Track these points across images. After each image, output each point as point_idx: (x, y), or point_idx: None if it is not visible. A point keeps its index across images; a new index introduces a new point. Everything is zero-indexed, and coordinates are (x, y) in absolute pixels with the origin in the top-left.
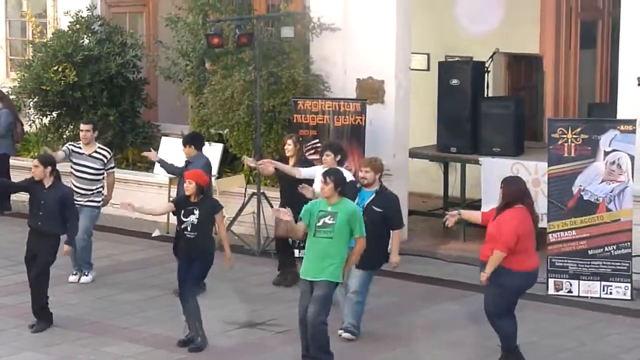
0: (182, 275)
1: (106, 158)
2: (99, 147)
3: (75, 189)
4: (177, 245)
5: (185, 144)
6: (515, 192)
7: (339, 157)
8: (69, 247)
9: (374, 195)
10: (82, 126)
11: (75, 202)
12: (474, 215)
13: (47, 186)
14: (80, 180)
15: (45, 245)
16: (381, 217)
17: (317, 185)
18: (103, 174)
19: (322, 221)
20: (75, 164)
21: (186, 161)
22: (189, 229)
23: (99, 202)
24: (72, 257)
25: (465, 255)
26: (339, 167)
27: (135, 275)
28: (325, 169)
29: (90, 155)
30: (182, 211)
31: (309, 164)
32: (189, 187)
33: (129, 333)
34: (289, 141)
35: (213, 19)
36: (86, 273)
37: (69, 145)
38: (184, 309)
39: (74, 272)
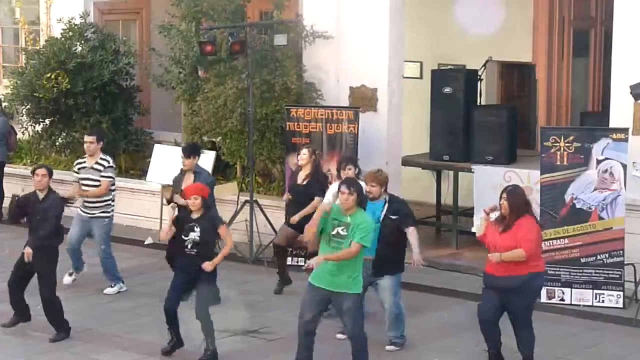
0: (177, 288)
1: (103, 167)
2: (100, 158)
3: (84, 202)
4: (173, 258)
5: (189, 155)
6: (521, 202)
7: (357, 171)
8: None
9: (387, 205)
10: (85, 138)
11: (83, 212)
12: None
13: (41, 198)
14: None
15: (44, 261)
16: (397, 223)
17: (328, 197)
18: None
19: (336, 230)
20: (81, 177)
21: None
22: (189, 246)
23: (107, 212)
24: (72, 258)
25: (458, 263)
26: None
27: (127, 282)
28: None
29: (92, 167)
30: (183, 229)
31: (320, 176)
32: (196, 203)
33: (121, 341)
34: (304, 150)
35: (206, 26)
36: (112, 285)
37: (75, 164)
38: (204, 328)
39: (70, 272)
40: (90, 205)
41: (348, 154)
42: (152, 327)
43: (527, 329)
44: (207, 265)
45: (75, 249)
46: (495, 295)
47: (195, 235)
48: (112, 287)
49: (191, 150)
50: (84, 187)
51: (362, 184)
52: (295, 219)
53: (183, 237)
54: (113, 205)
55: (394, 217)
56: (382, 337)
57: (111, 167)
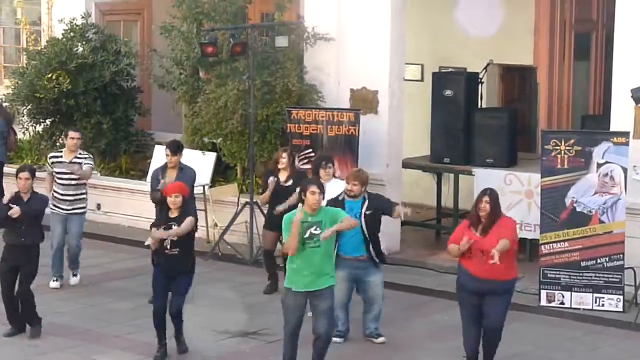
0: (162, 291)
1: (84, 158)
2: (79, 153)
3: (59, 196)
4: (157, 260)
5: (175, 152)
6: (499, 204)
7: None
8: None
9: (366, 202)
10: (73, 134)
11: (61, 209)
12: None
13: (26, 199)
14: (63, 187)
15: (29, 258)
16: (375, 216)
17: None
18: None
19: (308, 232)
20: (57, 172)
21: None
22: (169, 246)
23: (84, 207)
24: (53, 264)
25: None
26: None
27: (127, 283)
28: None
29: (70, 162)
30: (162, 228)
31: (303, 175)
32: (177, 202)
33: (120, 341)
34: (284, 154)
35: (207, 27)
36: (75, 274)
37: (50, 157)
38: (177, 326)
39: (55, 279)
40: (70, 199)
41: (326, 153)
42: (152, 328)
43: (501, 332)
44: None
45: (62, 250)
46: (478, 298)
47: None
48: (76, 276)
49: (177, 147)
50: (61, 182)
51: (342, 182)
52: (280, 209)
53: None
54: (86, 201)
55: (369, 211)
56: (370, 341)
57: (91, 157)
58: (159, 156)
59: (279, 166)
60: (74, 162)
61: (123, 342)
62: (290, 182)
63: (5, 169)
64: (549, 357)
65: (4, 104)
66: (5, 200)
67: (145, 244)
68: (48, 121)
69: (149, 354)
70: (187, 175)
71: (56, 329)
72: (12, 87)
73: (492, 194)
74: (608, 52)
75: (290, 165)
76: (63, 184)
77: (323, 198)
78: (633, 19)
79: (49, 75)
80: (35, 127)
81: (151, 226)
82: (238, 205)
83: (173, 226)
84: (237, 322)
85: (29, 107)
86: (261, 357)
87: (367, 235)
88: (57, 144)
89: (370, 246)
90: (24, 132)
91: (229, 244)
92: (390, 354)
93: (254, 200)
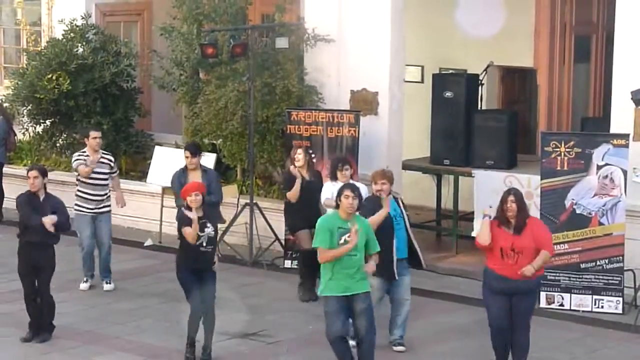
0: (197, 291)
1: (112, 162)
2: (103, 153)
3: (87, 196)
4: (189, 260)
5: (196, 154)
6: (524, 202)
7: (352, 172)
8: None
9: (401, 203)
10: (95, 133)
11: (89, 209)
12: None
13: (42, 198)
14: (93, 187)
15: (48, 257)
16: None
17: (325, 197)
18: (109, 178)
19: (343, 238)
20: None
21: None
22: (204, 243)
23: (110, 205)
24: (85, 264)
25: (458, 268)
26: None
27: (127, 284)
28: (341, 184)
29: (99, 162)
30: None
31: (318, 175)
32: (198, 200)
33: (121, 342)
34: (299, 150)
35: (207, 28)
36: (109, 281)
37: (80, 156)
38: (210, 323)
39: (85, 279)
40: (98, 199)
41: (343, 155)
42: (153, 329)
43: (528, 331)
44: (216, 264)
45: (92, 253)
46: (506, 300)
47: (210, 230)
48: (110, 283)
49: (197, 148)
50: (91, 182)
51: (361, 184)
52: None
53: (199, 233)
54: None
55: (407, 212)
56: (383, 340)
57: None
58: (159, 157)
59: (297, 164)
60: (102, 162)
61: (124, 344)
62: (313, 179)
63: (6, 170)
64: (549, 358)
65: (4, 105)
66: (19, 201)
67: (145, 244)
68: (48, 122)
69: (150, 355)
70: (212, 176)
71: (57, 330)
72: (12, 87)
73: (516, 194)
74: (608, 54)
75: (309, 162)
76: (92, 184)
77: (359, 202)
78: (633, 21)
79: (49, 76)
80: (35, 128)
81: (183, 226)
82: (238, 207)
83: (207, 224)
84: (236, 323)
85: (29, 107)
86: (261, 358)
87: (411, 237)
88: (57, 144)
89: (411, 246)
90: (23, 133)
91: (228, 245)
92: (392, 355)
93: (254, 201)
